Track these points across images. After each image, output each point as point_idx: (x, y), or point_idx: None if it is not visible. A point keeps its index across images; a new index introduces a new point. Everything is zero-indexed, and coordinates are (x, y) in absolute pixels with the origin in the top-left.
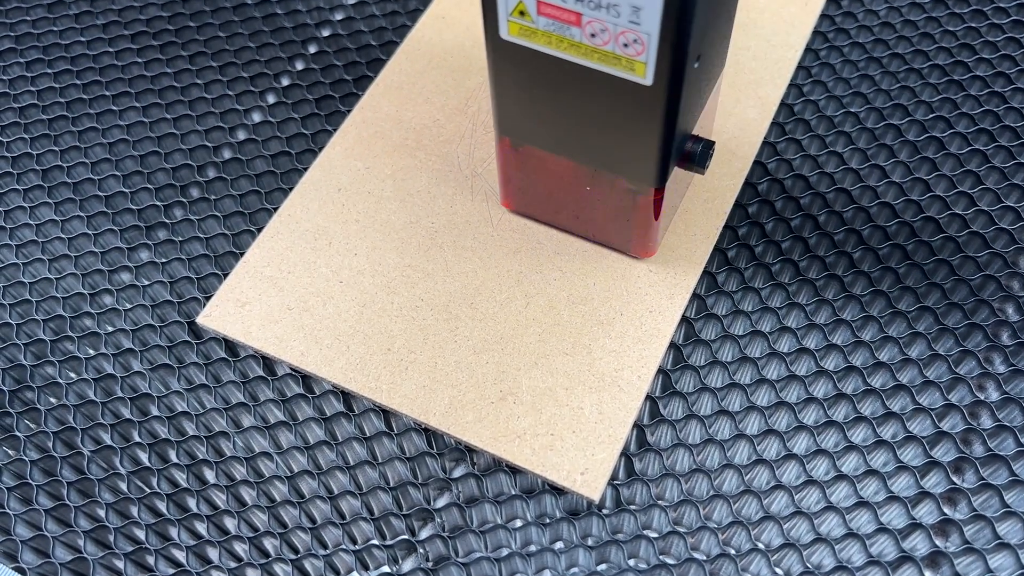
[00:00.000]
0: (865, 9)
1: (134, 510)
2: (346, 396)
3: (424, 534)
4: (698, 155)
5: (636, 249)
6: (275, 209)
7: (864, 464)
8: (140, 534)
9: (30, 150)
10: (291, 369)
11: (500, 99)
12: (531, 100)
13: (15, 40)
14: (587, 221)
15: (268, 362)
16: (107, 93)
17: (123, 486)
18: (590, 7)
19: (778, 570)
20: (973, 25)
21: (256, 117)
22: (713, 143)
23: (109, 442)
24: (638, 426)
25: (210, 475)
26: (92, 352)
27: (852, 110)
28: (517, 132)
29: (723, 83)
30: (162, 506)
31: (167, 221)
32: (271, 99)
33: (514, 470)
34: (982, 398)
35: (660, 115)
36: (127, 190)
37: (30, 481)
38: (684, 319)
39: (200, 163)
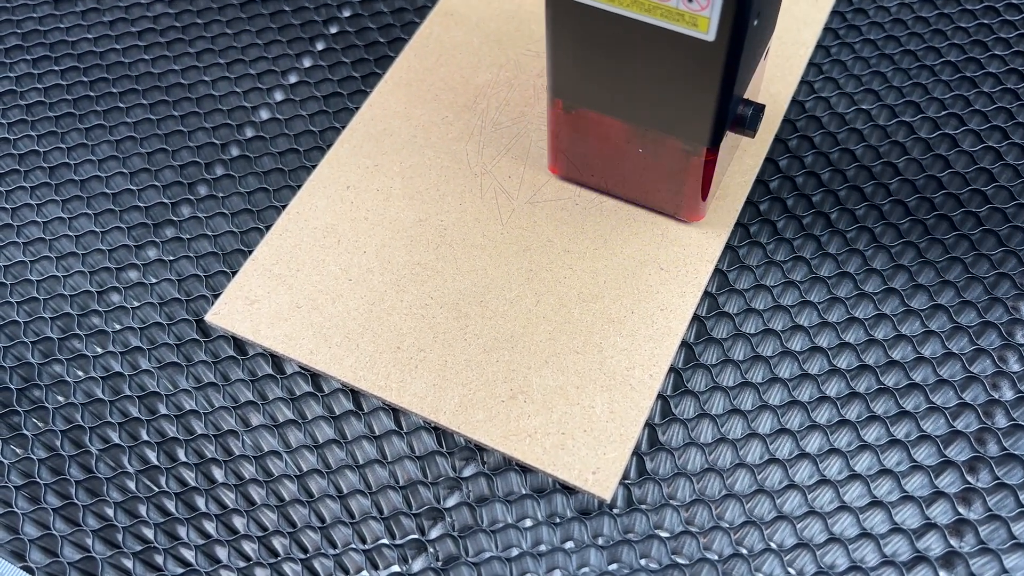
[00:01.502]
0: (876, 6)
1: (142, 509)
2: (355, 394)
3: (434, 533)
4: (749, 118)
5: (686, 212)
6: (283, 207)
7: (878, 463)
8: (149, 533)
9: (37, 147)
10: (300, 367)
11: (556, 59)
12: (588, 60)
13: (21, 37)
14: (637, 185)
15: (277, 360)
16: (114, 90)
17: (131, 485)
18: None
19: (791, 570)
20: (985, 22)
21: (264, 114)
22: (763, 107)
23: (117, 441)
24: (650, 425)
25: (219, 474)
26: (100, 350)
27: (864, 107)
28: (571, 94)
29: None
30: (171, 505)
31: (175, 219)
32: (279, 96)
33: (525, 469)
34: (996, 397)
35: (719, 72)
36: (134, 187)
37: (38, 480)
38: (696, 317)
39: (208, 160)
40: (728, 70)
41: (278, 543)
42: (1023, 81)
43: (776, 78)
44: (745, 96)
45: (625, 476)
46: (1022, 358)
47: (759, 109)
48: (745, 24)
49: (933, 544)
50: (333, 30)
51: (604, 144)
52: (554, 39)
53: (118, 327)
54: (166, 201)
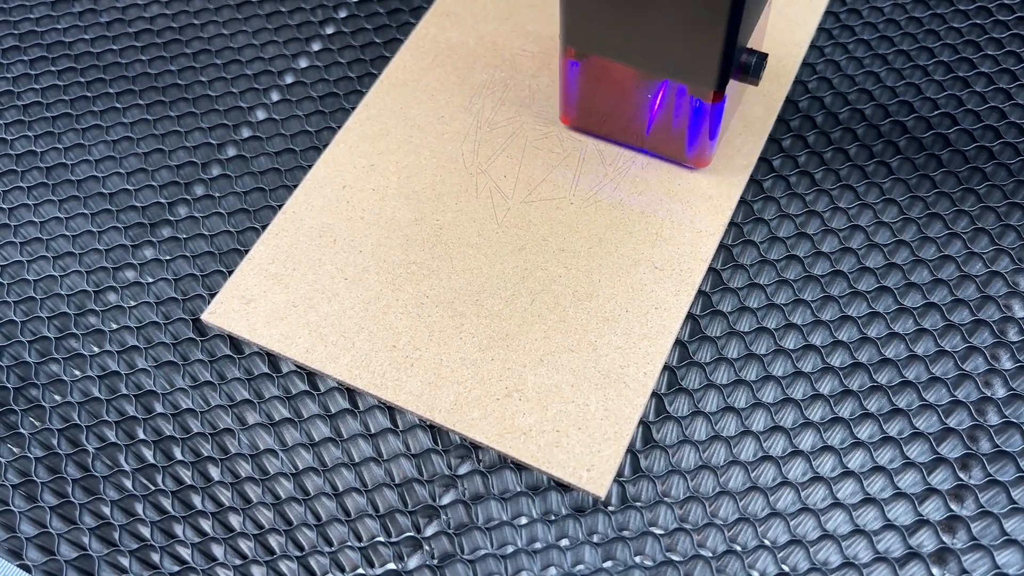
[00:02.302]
0: (870, 6)
1: (139, 507)
2: (351, 393)
3: (430, 531)
4: (753, 66)
5: (693, 159)
6: (280, 206)
7: (871, 460)
8: (145, 531)
9: (34, 148)
10: (296, 366)
11: (568, 7)
12: (599, 7)
13: (19, 38)
14: (645, 133)
15: (273, 359)
16: (110, 91)
17: (128, 483)
18: None
19: (785, 567)
20: (978, 22)
21: (260, 114)
22: (766, 55)
23: (114, 439)
24: (644, 423)
25: (215, 472)
26: (97, 349)
27: (858, 107)
28: (582, 41)
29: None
30: (167, 503)
31: (171, 219)
32: (275, 96)
33: (520, 467)
34: (989, 394)
35: (725, 16)
36: (131, 187)
37: (35, 478)
38: (690, 315)
39: (204, 161)
40: (734, 13)
41: (274, 541)
42: (1015, 80)
43: (770, 77)
44: (748, 46)
45: (619, 473)
46: (1014, 356)
47: (762, 57)
48: None
49: (926, 540)
50: (329, 30)
51: (614, 92)
52: None
53: (115, 326)
54: (163, 201)
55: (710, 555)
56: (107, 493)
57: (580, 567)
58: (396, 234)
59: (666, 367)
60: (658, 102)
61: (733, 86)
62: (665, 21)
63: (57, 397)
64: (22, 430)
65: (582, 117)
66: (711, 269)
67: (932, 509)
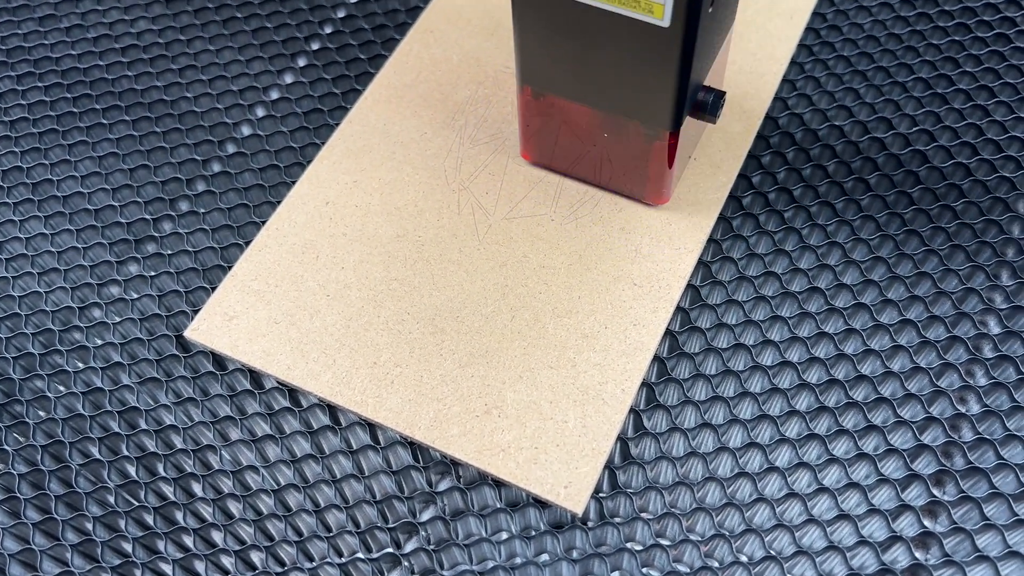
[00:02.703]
0: (850, 23)
1: (122, 523)
2: (332, 409)
3: (409, 547)
4: (710, 104)
5: (650, 196)
6: (263, 222)
7: (846, 477)
8: (128, 547)
9: (20, 164)
10: (278, 383)
11: (522, 47)
12: (552, 47)
13: (6, 54)
14: (604, 169)
15: (255, 376)
16: (97, 107)
17: (111, 499)
18: None
19: None
20: (957, 38)
21: (245, 130)
22: (724, 93)
23: (97, 455)
24: (622, 439)
25: (197, 488)
26: (81, 366)
27: (836, 123)
28: (538, 80)
29: None
30: (149, 519)
31: (156, 235)
32: (260, 112)
33: (499, 483)
34: (963, 411)
35: (676, 57)
36: (116, 203)
37: (18, 495)
38: (668, 332)
39: (189, 176)
40: (685, 56)
41: (255, 557)
42: (993, 97)
43: (750, 94)
44: (706, 83)
45: (597, 490)
46: (988, 372)
47: (719, 95)
48: (698, 10)
49: (899, 556)
50: (315, 47)
51: (571, 129)
52: (520, 27)
53: (99, 342)
54: (148, 217)
55: (686, 571)
56: (90, 509)
57: None
58: (378, 250)
59: (644, 383)
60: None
61: (691, 123)
62: (618, 61)
63: (41, 413)
64: (6, 446)
65: (541, 154)
66: (690, 285)
67: (906, 525)
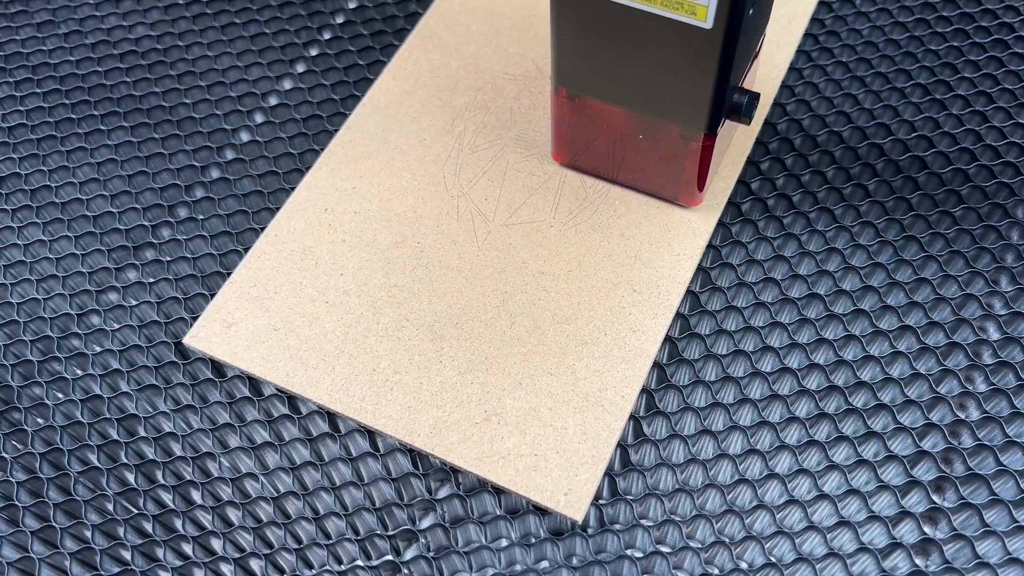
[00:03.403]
0: (848, 28)
1: (120, 531)
2: (331, 416)
3: (409, 554)
4: (744, 106)
5: (684, 197)
6: (262, 229)
7: (846, 483)
8: (126, 555)
9: (18, 170)
10: (277, 390)
11: (559, 49)
12: (590, 49)
13: (4, 59)
14: (637, 171)
15: (254, 382)
16: (95, 113)
17: (110, 507)
18: None
19: None
20: (955, 44)
21: (244, 136)
22: (758, 95)
23: (96, 463)
24: (621, 446)
25: (196, 496)
26: (79, 373)
27: (835, 129)
28: (574, 82)
29: None
30: (148, 527)
31: (155, 241)
32: (259, 119)
33: (498, 490)
34: (963, 417)
35: (716, 59)
36: (115, 210)
37: (16, 502)
38: (668, 338)
39: (188, 183)
40: (725, 57)
41: (255, 564)
42: (991, 103)
43: None
44: (741, 84)
45: (597, 497)
46: (988, 378)
47: (754, 97)
48: (741, 13)
49: (899, 563)
50: (313, 53)
51: (606, 131)
52: (558, 28)
53: (98, 349)
54: (146, 223)
55: None
56: (89, 517)
57: None
58: (377, 257)
59: (644, 390)
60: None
61: (724, 125)
62: (656, 63)
63: (40, 420)
64: (4, 454)
65: (574, 155)
66: (689, 292)
67: (906, 532)
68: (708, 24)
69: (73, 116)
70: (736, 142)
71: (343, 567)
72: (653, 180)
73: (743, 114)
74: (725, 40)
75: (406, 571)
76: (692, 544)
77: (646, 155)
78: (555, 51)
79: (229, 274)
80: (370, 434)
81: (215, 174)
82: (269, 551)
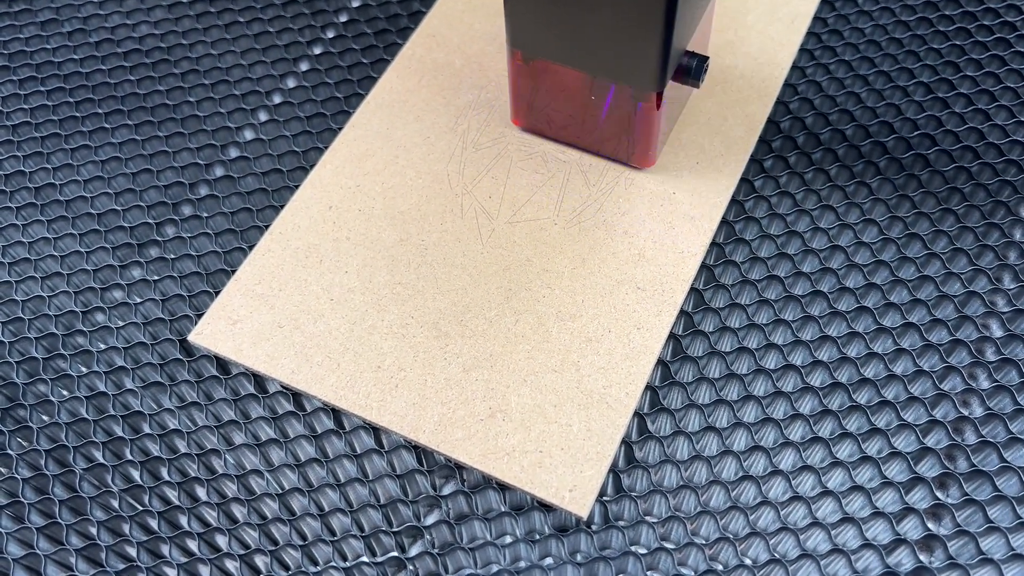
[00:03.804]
0: (851, 27)
1: (126, 528)
2: (336, 413)
3: (414, 551)
4: (693, 69)
5: (637, 159)
6: (267, 227)
7: (849, 480)
8: (132, 552)
9: (23, 168)
10: (282, 387)
11: (513, 11)
12: (541, 10)
13: (8, 58)
14: (592, 133)
15: (259, 379)
16: (100, 111)
17: (115, 504)
18: None
19: None
20: (958, 43)
21: (248, 135)
22: (707, 58)
23: (101, 460)
24: (626, 443)
25: (201, 492)
26: (84, 370)
27: (838, 127)
28: (528, 44)
29: (709, 101)
30: (154, 524)
31: (159, 239)
32: (263, 117)
33: (503, 487)
34: (966, 414)
35: (661, 18)
36: (120, 208)
37: (22, 499)
38: (672, 335)
39: (192, 181)
40: (668, 15)
41: (260, 561)
42: (994, 101)
43: (752, 99)
44: (690, 49)
45: (602, 493)
46: (991, 375)
47: (703, 60)
48: None
49: (903, 559)
50: (317, 51)
51: (560, 93)
52: None
53: (103, 347)
54: (151, 221)
55: (691, 574)
56: (94, 514)
57: None
58: (382, 254)
59: (648, 387)
60: (606, 104)
61: (676, 88)
62: (605, 24)
63: (45, 417)
64: (9, 451)
65: (532, 119)
66: (693, 289)
67: (910, 528)
68: None
69: (77, 114)
70: (739, 139)
71: (348, 563)
72: (607, 142)
73: (692, 76)
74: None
75: (411, 567)
76: (696, 540)
77: (599, 117)
78: (508, 14)
79: (234, 272)
80: (375, 431)
81: (219, 172)
82: (274, 547)
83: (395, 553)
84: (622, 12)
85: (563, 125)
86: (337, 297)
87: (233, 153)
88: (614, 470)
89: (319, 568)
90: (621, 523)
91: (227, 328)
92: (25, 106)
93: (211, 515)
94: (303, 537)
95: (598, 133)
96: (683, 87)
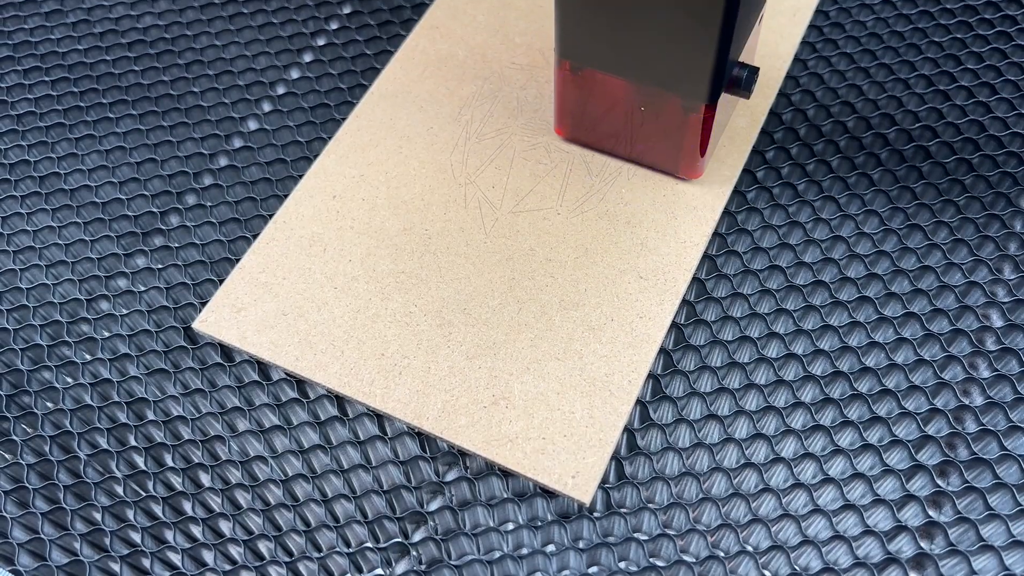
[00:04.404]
0: (852, 20)
1: (130, 513)
2: (340, 400)
3: (417, 537)
4: (744, 79)
5: (684, 170)
6: (271, 216)
7: (851, 467)
8: (136, 537)
9: (27, 157)
10: (286, 374)
11: (564, 20)
12: (593, 21)
13: (12, 48)
14: (638, 144)
15: (263, 367)
16: (104, 101)
17: (119, 490)
18: None
19: (766, 572)
20: (958, 36)
21: (252, 125)
22: (757, 69)
23: (105, 446)
24: (628, 430)
25: (205, 478)
26: (89, 357)
27: (840, 120)
28: (577, 54)
29: None
30: (158, 509)
31: (163, 228)
32: (267, 107)
33: (506, 473)
34: (967, 403)
35: (718, 28)
36: (124, 197)
37: (27, 485)
38: (674, 324)
39: (196, 170)
40: (725, 28)
41: (263, 547)
42: (995, 94)
43: (756, 90)
44: (740, 59)
45: (604, 480)
46: (992, 365)
47: (753, 71)
48: None
49: (904, 546)
50: (320, 42)
51: (608, 103)
52: (562, 1)
53: (107, 334)
54: (155, 210)
55: (693, 560)
56: (98, 499)
57: (565, 572)
58: (385, 244)
59: (650, 375)
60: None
61: (724, 99)
62: (658, 35)
63: (49, 404)
64: (14, 437)
65: (576, 128)
66: (695, 279)
67: (911, 515)
68: None
69: (81, 104)
70: (742, 131)
71: (352, 549)
72: (654, 153)
73: (743, 87)
74: (726, 10)
75: (415, 553)
76: (698, 527)
77: (647, 128)
78: (559, 23)
79: (238, 260)
80: (379, 418)
81: (223, 162)
82: (278, 533)
83: (399, 539)
84: (678, 23)
85: (608, 136)
86: (341, 285)
87: (237, 143)
88: (616, 457)
89: (323, 554)
90: (623, 510)
91: (231, 316)
92: (30, 95)
93: (215, 501)
94: (307, 523)
95: (645, 145)
96: (732, 97)
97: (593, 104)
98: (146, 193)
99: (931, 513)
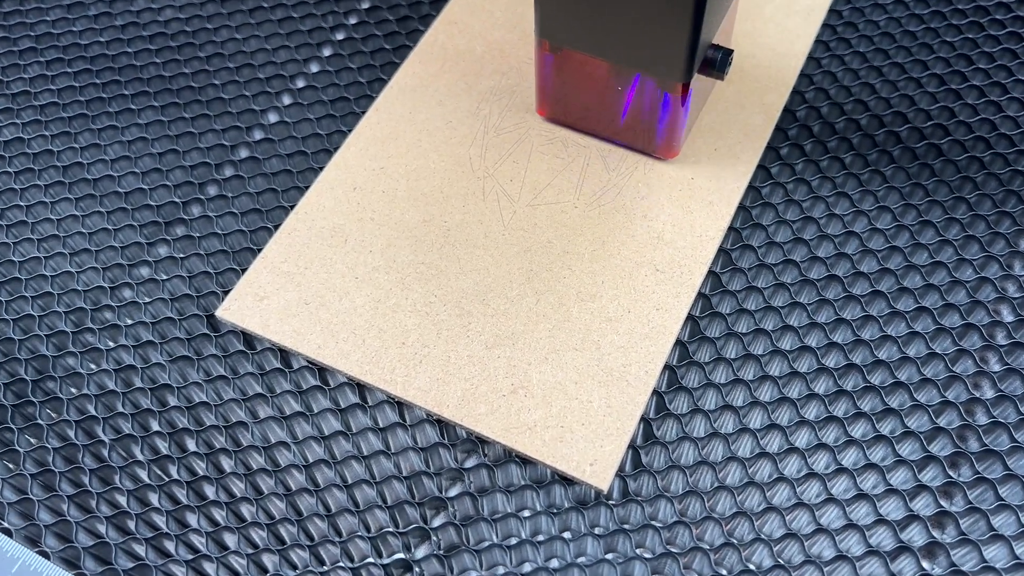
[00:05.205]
0: (865, 19)
1: (154, 497)
2: (361, 388)
3: (437, 522)
4: (719, 61)
5: (661, 150)
6: (292, 207)
7: (864, 458)
8: (160, 520)
9: (50, 147)
10: (307, 362)
11: (543, 1)
12: (571, 2)
13: (35, 40)
14: (616, 123)
15: (285, 355)
16: (126, 92)
17: (143, 474)
18: None
19: (780, 559)
20: (970, 36)
21: (272, 117)
22: (731, 51)
23: (129, 431)
24: (645, 420)
25: (228, 464)
26: (112, 344)
27: (853, 117)
28: (555, 34)
29: (728, 90)
30: (181, 494)
31: (185, 217)
32: (287, 100)
33: (524, 461)
34: (978, 396)
35: (690, 8)
36: (146, 187)
37: (52, 468)
38: (690, 316)
39: (217, 161)
40: (697, 8)
41: (285, 531)
42: (1006, 94)
43: (769, 88)
44: (715, 42)
45: (621, 468)
46: (1002, 359)
47: (727, 53)
48: None
49: (916, 535)
50: (340, 36)
51: (586, 84)
52: None
53: (130, 322)
54: (177, 200)
55: (708, 548)
56: (123, 483)
57: (582, 559)
58: (405, 235)
59: (667, 366)
60: (630, 95)
61: (701, 82)
62: (634, 15)
63: (73, 390)
64: (40, 421)
65: (557, 109)
66: (711, 272)
67: (922, 505)
68: None
69: (103, 95)
70: (757, 128)
71: (372, 534)
72: (632, 133)
73: (717, 68)
74: None
75: (434, 538)
76: (714, 515)
77: (623, 108)
78: (538, 3)
79: (259, 250)
80: (399, 405)
81: (244, 153)
82: (300, 518)
83: (419, 524)
84: (652, 4)
85: (587, 115)
86: (362, 276)
87: (258, 135)
88: (633, 446)
89: (344, 538)
90: (640, 497)
91: (254, 304)
92: (52, 87)
93: (237, 486)
94: (328, 508)
95: (622, 124)
96: (707, 79)
97: (572, 84)
98: (168, 184)
99: (943, 503)
